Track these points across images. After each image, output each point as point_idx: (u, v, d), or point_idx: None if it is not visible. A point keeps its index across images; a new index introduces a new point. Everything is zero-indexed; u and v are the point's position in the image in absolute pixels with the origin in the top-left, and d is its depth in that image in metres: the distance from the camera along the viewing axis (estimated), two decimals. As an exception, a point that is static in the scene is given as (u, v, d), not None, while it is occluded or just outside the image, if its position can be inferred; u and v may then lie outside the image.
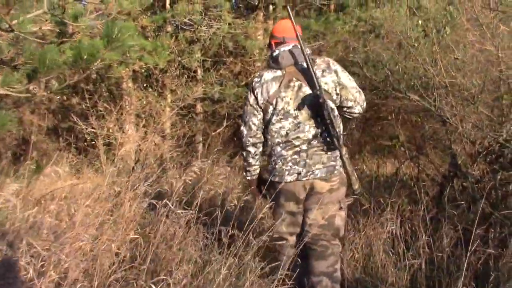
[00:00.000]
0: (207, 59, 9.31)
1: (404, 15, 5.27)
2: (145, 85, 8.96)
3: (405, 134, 4.66)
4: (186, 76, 9.29)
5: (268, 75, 2.89)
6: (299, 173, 2.81)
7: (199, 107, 10.32)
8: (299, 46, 2.77)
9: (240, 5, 10.40)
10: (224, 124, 9.99)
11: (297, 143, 2.82)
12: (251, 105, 2.90)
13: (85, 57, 2.72)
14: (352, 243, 3.13)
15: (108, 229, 3.20)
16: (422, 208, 3.51)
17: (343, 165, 2.84)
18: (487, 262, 2.99)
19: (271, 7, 9.52)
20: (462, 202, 3.45)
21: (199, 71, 9.68)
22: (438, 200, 3.93)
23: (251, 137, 2.92)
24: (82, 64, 2.77)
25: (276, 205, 2.95)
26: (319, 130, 2.80)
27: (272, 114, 2.83)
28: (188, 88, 9.15)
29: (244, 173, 3.10)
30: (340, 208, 2.89)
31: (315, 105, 2.74)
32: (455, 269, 2.98)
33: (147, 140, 8.87)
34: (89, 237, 2.90)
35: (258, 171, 3.06)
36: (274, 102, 2.83)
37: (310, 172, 2.80)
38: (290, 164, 2.83)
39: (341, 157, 2.82)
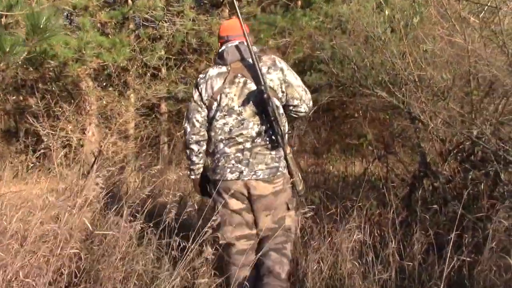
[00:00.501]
0: (171, 56, 8.99)
1: (371, 10, 5.07)
2: (105, 84, 8.57)
3: (373, 132, 4.45)
4: (149, 74, 8.95)
5: (213, 71, 2.85)
6: (241, 172, 2.74)
7: (163, 107, 10.00)
8: (245, 43, 2.75)
9: (205, 1, 10.10)
10: (189, 124, 9.69)
11: (240, 140, 2.75)
12: (195, 102, 2.86)
13: (8, 49, 2.39)
14: (317, 252, 2.88)
15: (48, 241, 2.88)
16: (391, 211, 3.29)
17: (287, 165, 2.79)
18: (461, 270, 2.79)
19: (236, 3, 9.20)
20: (435, 206, 3.23)
21: (163, 70, 9.35)
22: (408, 201, 3.73)
23: (194, 134, 2.86)
24: (6, 59, 2.44)
25: (218, 206, 2.83)
26: (264, 128, 2.74)
27: (216, 111, 2.79)
28: (151, 87, 8.82)
29: (188, 173, 3.01)
30: (288, 209, 2.85)
31: (259, 102, 2.70)
32: (427, 278, 2.77)
33: (108, 141, 8.51)
34: (23, 251, 2.58)
35: (201, 170, 2.99)
36: (218, 98, 2.78)
37: (253, 173, 2.73)
38: (232, 162, 2.76)
39: (285, 157, 2.77)
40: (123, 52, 7.16)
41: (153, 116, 9.80)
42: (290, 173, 2.80)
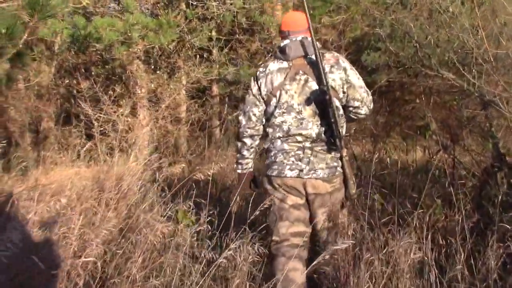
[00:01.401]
0: (221, 37, 8.66)
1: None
2: (153, 67, 8.36)
3: (437, 119, 3.91)
4: (198, 56, 8.68)
5: (273, 65, 2.76)
6: (301, 170, 2.67)
7: (215, 89, 9.71)
8: (309, 38, 2.65)
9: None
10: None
11: (299, 139, 2.68)
12: (253, 95, 2.77)
13: (4, 30, 2.11)
14: (370, 266, 2.44)
15: (69, 243, 2.62)
16: (460, 214, 2.80)
17: (342, 167, 2.72)
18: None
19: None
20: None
21: (214, 51, 9.05)
22: (479, 202, 3.20)
23: (249, 128, 2.79)
24: (3, 41, 2.18)
25: (275, 201, 2.76)
26: (323, 129, 2.67)
27: (275, 107, 2.71)
28: (201, 69, 8.56)
29: (235, 166, 2.96)
30: (342, 206, 2.80)
31: (321, 102, 2.62)
32: (504, 303, 2.29)
33: (159, 125, 8.37)
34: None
35: (250, 165, 2.91)
36: (277, 94, 2.70)
37: (313, 171, 2.66)
38: (292, 159, 2.69)
39: (341, 158, 2.71)
40: (169, 33, 6.88)
41: (204, 99, 9.55)
42: (344, 175, 2.72)
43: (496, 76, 2.82)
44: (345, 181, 2.73)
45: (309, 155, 2.66)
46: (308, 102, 2.65)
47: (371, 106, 2.78)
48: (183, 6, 8.26)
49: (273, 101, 2.72)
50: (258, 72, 2.81)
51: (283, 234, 2.72)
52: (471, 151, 3.96)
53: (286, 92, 2.69)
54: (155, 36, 6.82)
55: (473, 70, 3.14)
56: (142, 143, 7.78)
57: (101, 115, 7.61)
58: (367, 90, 2.76)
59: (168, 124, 8.77)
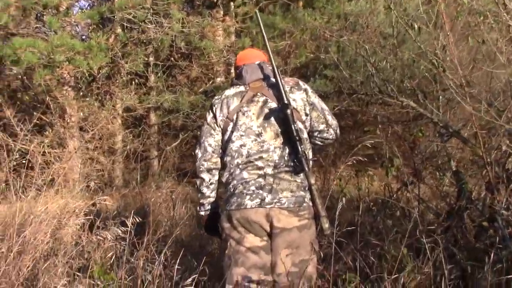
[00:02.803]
0: (159, 62, 8.14)
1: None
2: (82, 93, 7.68)
3: (392, 148, 3.49)
4: (134, 82, 8.10)
5: (229, 91, 2.59)
6: (262, 199, 2.34)
7: (152, 118, 9.10)
8: (267, 64, 2.57)
9: (198, 2, 9.28)
10: (181, 136, 8.80)
11: (260, 164, 2.40)
12: (208, 124, 2.57)
13: None
14: None
15: None
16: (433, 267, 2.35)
17: (312, 198, 2.37)
18: None
19: (232, 3, 8.41)
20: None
21: (152, 77, 8.50)
22: (450, 251, 2.76)
23: (205, 160, 2.52)
24: None
25: (231, 243, 2.39)
26: (286, 151, 2.41)
27: (232, 131, 2.47)
28: (137, 96, 7.99)
29: (198, 208, 2.63)
30: (312, 250, 2.40)
31: (282, 121, 2.41)
32: None
33: (91, 157, 7.67)
34: None
35: (214, 205, 2.58)
36: (234, 118, 2.48)
37: (276, 200, 2.34)
38: (252, 188, 2.37)
39: (309, 187, 2.37)
40: (100, 57, 6.27)
41: (141, 128, 8.91)
42: (315, 206, 2.36)
43: (469, 102, 2.39)
44: (315, 215, 2.37)
45: (271, 183, 2.36)
46: (266, 121, 2.43)
47: (338, 130, 2.58)
48: (118, 28, 7.70)
49: (230, 125, 2.49)
50: (213, 100, 2.63)
51: (237, 282, 2.36)
52: (434, 187, 3.57)
53: (244, 114, 2.47)
54: (83, 60, 6.19)
55: (439, 98, 2.73)
56: (70, 178, 7.06)
57: (23, 145, 6.81)
58: (331, 114, 2.58)
59: (100, 155, 8.08)
